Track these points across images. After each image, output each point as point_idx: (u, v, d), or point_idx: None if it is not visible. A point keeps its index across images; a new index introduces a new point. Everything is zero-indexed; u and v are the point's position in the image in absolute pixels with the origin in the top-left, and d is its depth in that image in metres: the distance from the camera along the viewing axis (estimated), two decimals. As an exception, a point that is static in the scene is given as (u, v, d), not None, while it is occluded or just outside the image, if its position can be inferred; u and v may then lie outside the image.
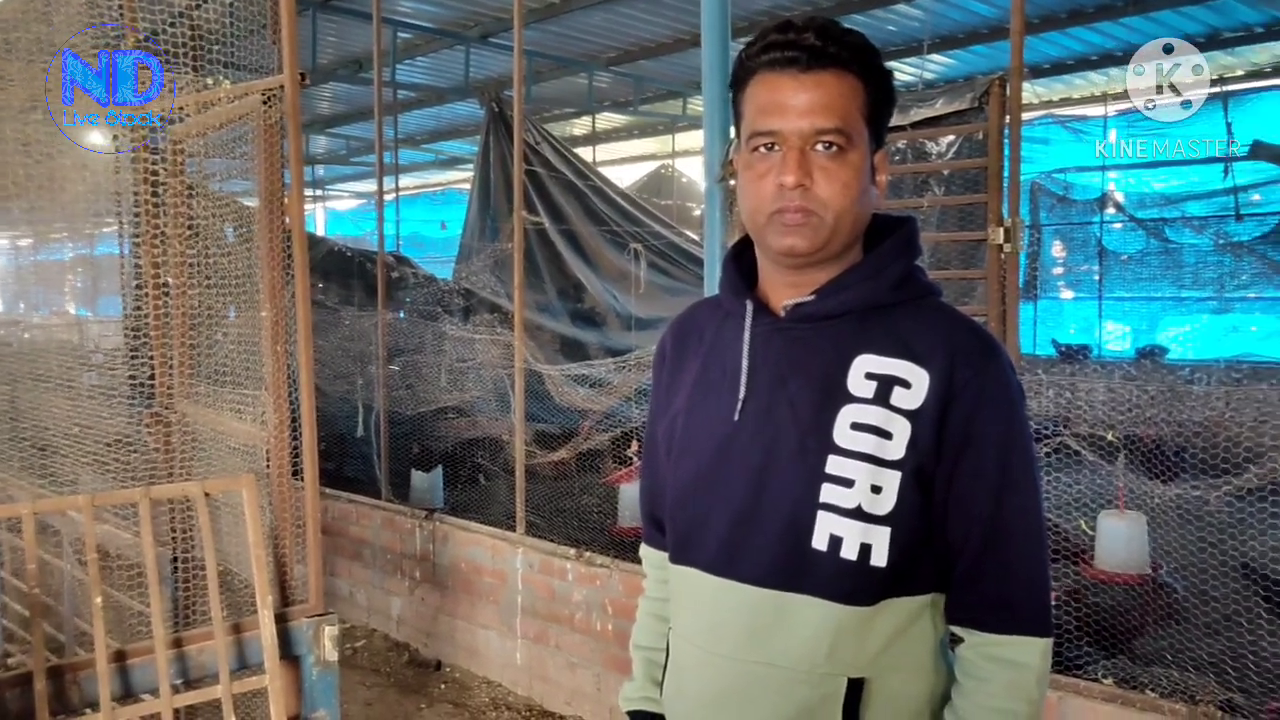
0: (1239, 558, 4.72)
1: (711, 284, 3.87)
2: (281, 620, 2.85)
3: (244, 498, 2.83)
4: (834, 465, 1.25)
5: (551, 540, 4.71)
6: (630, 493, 6.60)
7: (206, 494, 2.76)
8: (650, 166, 14.79)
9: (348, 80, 10.79)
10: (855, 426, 1.25)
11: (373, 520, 5.78)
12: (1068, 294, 11.46)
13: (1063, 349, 10.50)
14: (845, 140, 1.25)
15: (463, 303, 7.67)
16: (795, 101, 1.24)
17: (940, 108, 3.06)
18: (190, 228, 3.42)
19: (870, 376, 1.26)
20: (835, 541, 1.25)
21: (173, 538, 3.59)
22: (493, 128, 9.54)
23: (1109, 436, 3.96)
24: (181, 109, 3.08)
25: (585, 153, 12.12)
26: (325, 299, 7.69)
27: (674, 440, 1.41)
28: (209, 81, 2.81)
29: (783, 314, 1.33)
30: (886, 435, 1.24)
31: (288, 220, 2.94)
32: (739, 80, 1.31)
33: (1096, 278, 10.99)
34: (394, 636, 5.65)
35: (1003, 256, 2.94)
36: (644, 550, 1.59)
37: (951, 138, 3.12)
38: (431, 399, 6.48)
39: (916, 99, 3.32)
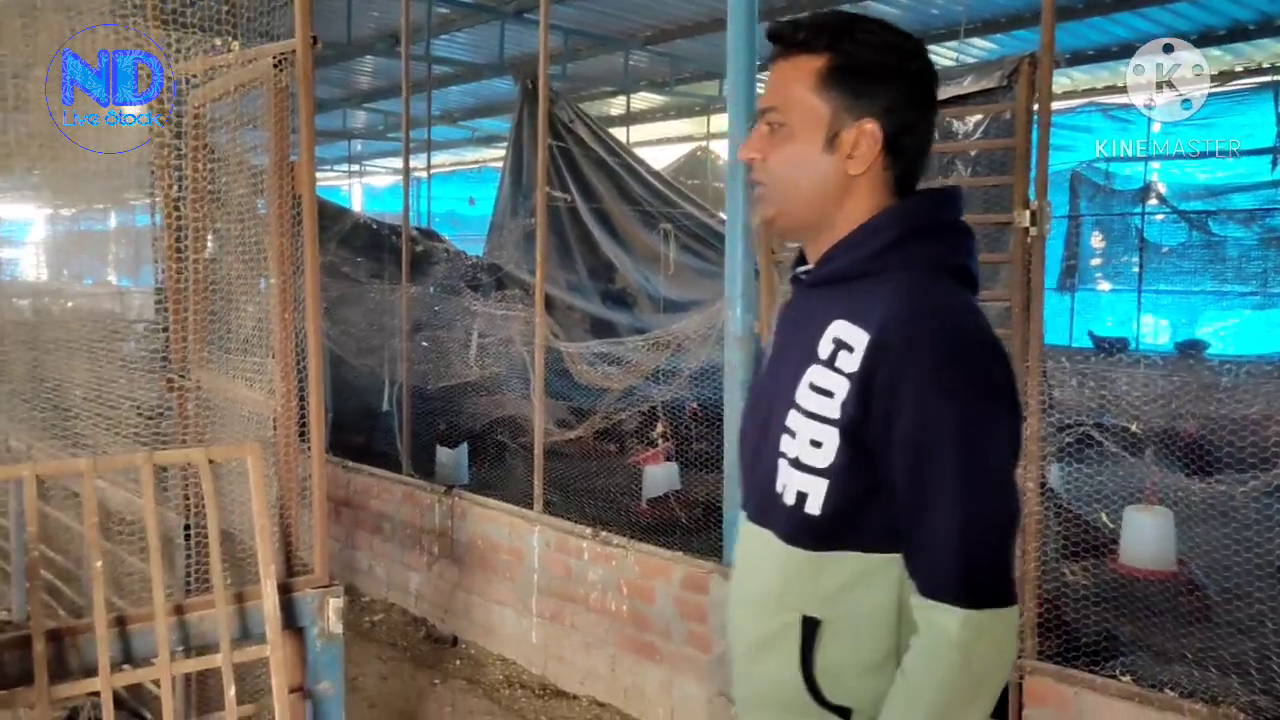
0: (1270, 557, 4.60)
1: (733, 263, 3.80)
2: (285, 591, 2.84)
3: (249, 465, 2.81)
4: (790, 419, 1.38)
5: (569, 519, 4.68)
6: (655, 474, 6.58)
7: (211, 460, 2.74)
8: (686, 148, 14.66)
9: (386, 54, 10.76)
10: (811, 386, 1.36)
11: (393, 495, 5.78)
12: (1105, 286, 11.24)
13: (1099, 341, 10.32)
14: (786, 116, 1.39)
15: (491, 279, 7.65)
16: (764, 89, 1.44)
17: (968, 86, 2.97)
18: (209, 194, 3.41)
19: (834, 341, 1.35)
20: (783, 487, 1.39)
21: (186, 504, 3.61)
22: (526, 105, 9.46)
23: (1133, 428, 3.87)
24: (193, 76, 3.06)
25: (620, 133, 12.03)
26: (355, 273, 7.69)
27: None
28: (216, 42, 2.78)
29: (803, 281, 1.50)
30: (829, 395, 1.34)
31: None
32: None
33: (1136, 270, 10.77)
34: (412, 611, 5.67)
35: (1028, 240, 2.85)
36: None
37: (979, 117, 3.03)
38: (455, 374, 6.47)
39: (944, 77, 3.23)
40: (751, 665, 1.47)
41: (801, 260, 1.50)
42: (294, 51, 2.79)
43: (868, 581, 1.35)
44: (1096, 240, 11.01)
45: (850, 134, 1.36)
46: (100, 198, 4.23)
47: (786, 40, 1.40)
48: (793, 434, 1.37)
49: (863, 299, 1.34)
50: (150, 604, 2.71)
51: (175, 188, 3.35)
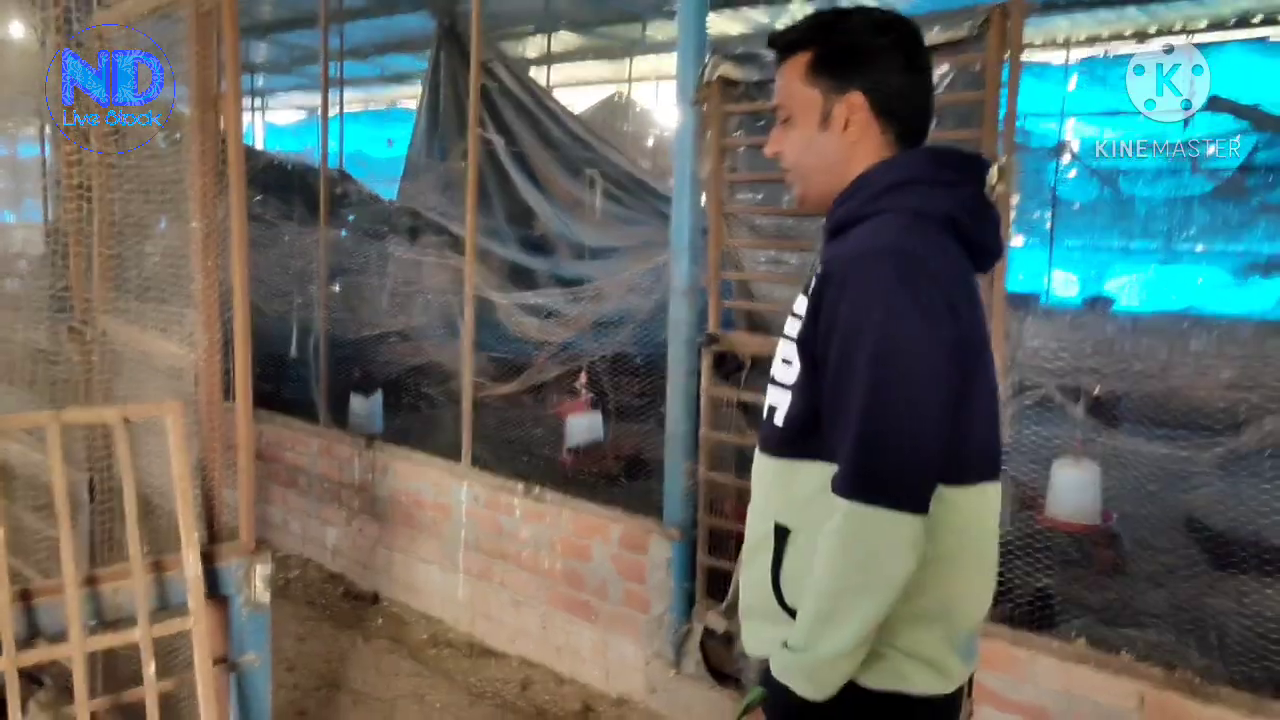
0: (1183, 510, 4.72)
1: (680, 215, 3.66)
2: (209, 559, 2.64)
3: (168, 425, 2.59)
4: (780, 346, 1.59)
5: (499, 474, 4.53)
6: (577, 423, 6.45)
7: (126, 420, 2.52)
8: (605, 92, 14.34)
9: (292, -18, 10.21)
10: (792, 313, 1.56)
11: (309, 446, 5.55)
12: (1018, 240, 11.42)
13: (1010, 296, 10.47)
14: (790, 110, 1.61)
15: (409, 223, 7.36)
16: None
17: (936, 36, 2.86)
18: (114, 128, 3.13)
19: (813, 273, 1.53)
20: (768, 408, 1.59)
21: (89, 463, 3.35)
22: (443, 43, 9.14)
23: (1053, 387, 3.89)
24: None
25: (539, 75, 11.70)
26: (264, 214, 7.31)
27: None
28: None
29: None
30: (798, 317, 1.53)
31: (222, 124, 2.67)
32: None
33: (1048, 225, 10.94)
34: (329, 568, 5.47)
35: (994, 197, 2.77)
36: None
37: (946, 68, 2.93)
38: (375, 323, 6.21)
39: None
40: (745, 574, 1.64)
41: None
42: (216, -29, 2.54)
43: (828, 488, 1.44)
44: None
45: (840, 109, 1.56)
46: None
47: (781, 45, 1.62)
48: (780, 359, 1.57)
49: (849, 240, 1.51)
50: (59, 575, 2.49)
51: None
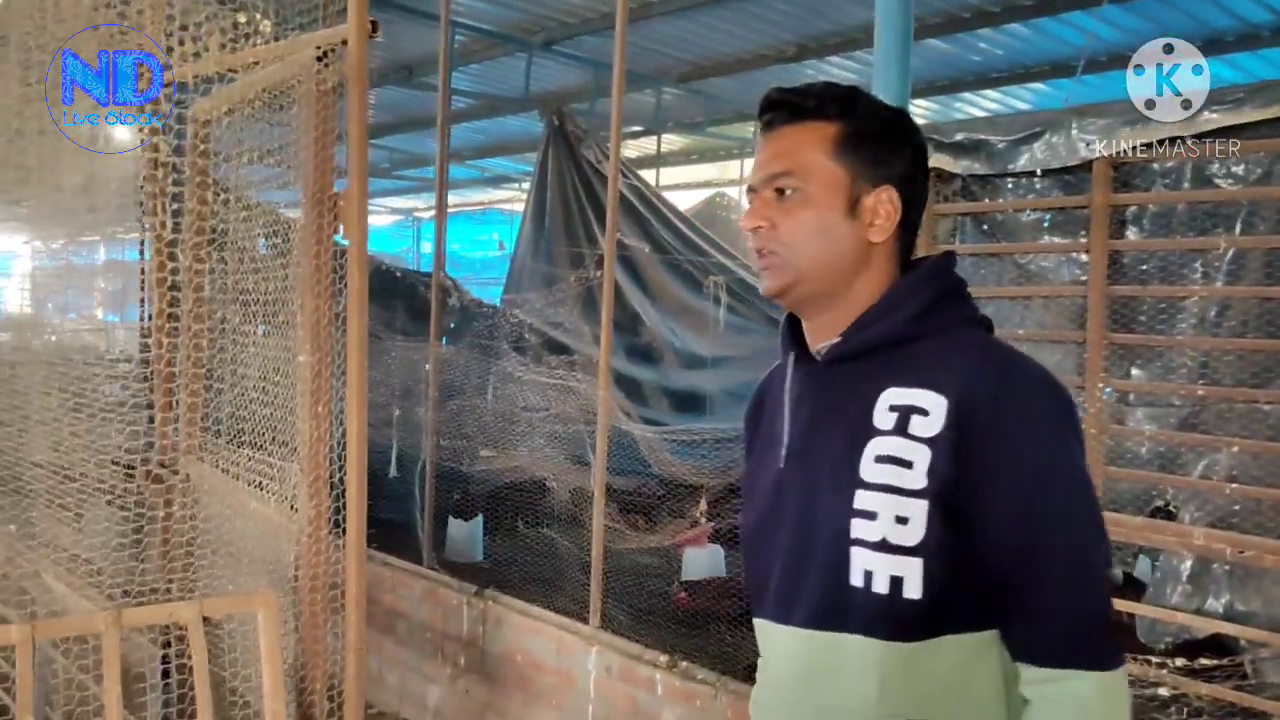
0: None
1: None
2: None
3: (259, 621, 1.97)
4: (860, 500, 1.28)
5: (636, 640, 3.82)
6: (696, 557, 5.77)
7: (206, 619, 1.90)
8: (706, 194, 13.98)
9: (399, 85, 10.00)
10: (879, 459, 1.28)
11: (411, 590, 4.91)
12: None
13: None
14: (801, 181, 1.33)
15: (517, 334, 6.85)
16: (763, 157, 1.38)
17: (1248, 114, 2.19)
18: (211, 231, 2.61)
19: (893, 409, 1.28)
20: (868, 576, 1.27)
21: (165, 634, 2.77)
22: (552, 143, 8.77)
23: None
24: (199, 78, 2.25)
25: (648, 177, 11.32)
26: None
27: (745, 498, 1.49)
28: (239, 20, 1.97)
29: (819, 359, 1.38)
30: (907, 464, 1.26)
31: (341, 228, 2.10)
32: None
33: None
34: (429, 731, 4.78)
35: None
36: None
37: (1259, 155, 2.26)
38: (497, 452, 5.59)
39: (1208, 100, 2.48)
40: None
41: (792, 339, 1.42)
42: (343, 42, 2.00)
43: (971, 666, 1.27)
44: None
45: (871, 200, 1.35)
46: (77, 231, 3.42)
47: (793, 107, 1.37)
48: (870, 515, 1.27)
49: (916, 362, 1.30)
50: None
51: (168, 224, 2.53)
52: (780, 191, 1.35)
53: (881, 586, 1.26)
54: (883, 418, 1.30)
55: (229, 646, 2.47)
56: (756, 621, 1.44)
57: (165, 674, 2.85)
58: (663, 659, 3.65)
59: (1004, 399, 1.26)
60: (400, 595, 4.97)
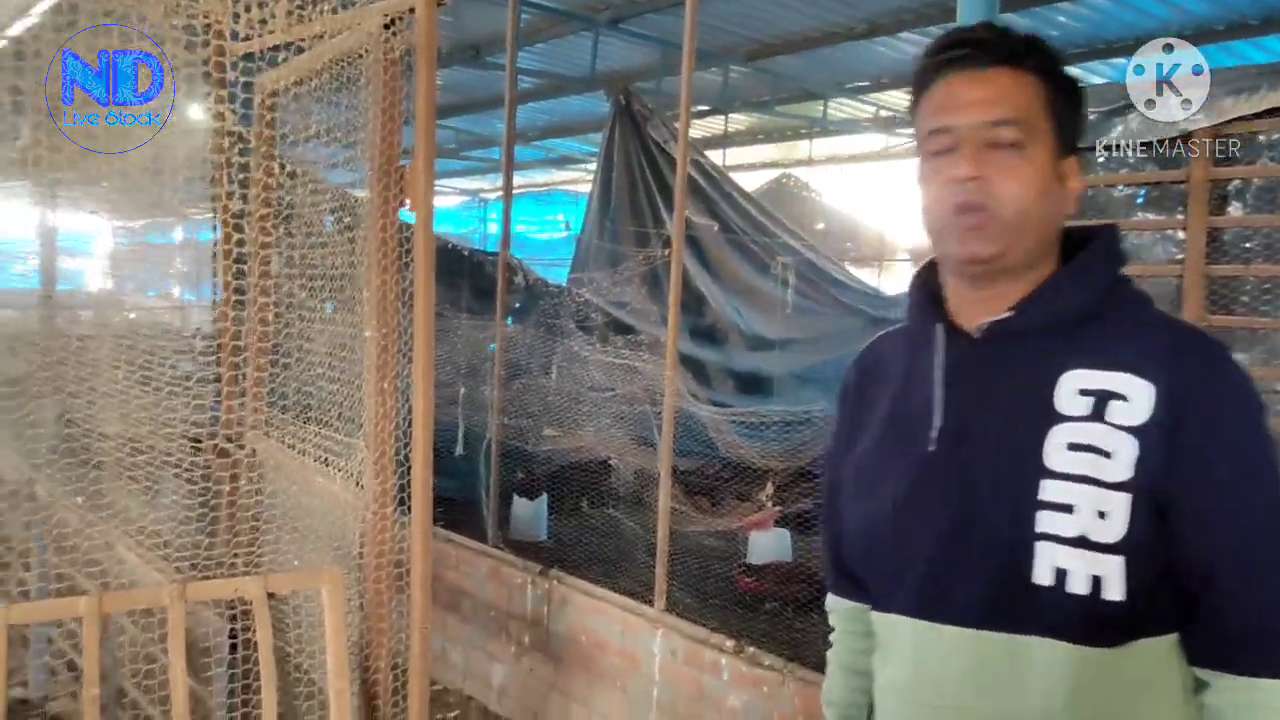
0: None
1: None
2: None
3: (324, 597, 1.95)
4: (1049, 491, 1.17)
5: (702, 624, 3.77)
6: (762, 541, 5.69)
7: (271, 594, 1.88)
8: (771, 174, 13.78)
9: (465, 65, 10.00)
10: (1072, 447, 1.17)
11: (476, 568, 4.91)
12: None
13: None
14: (1024, 133, 1.20)
15: (582, 313, 6.81)
16: (971, 96, 1.21)
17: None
18: (278, 209, 2.59)
19: (1084, 392, 1.18)
20: (1061, 575, 1.15)
21: (231, 610, 2.77)
22: (619, 123, 8.71)
23: None
24: (266, 49, 2.23)
25: (714, 156, 11.20)
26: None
27: (862, 480, 1.35)
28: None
29: (977, 334, 1.26)
30: (1106, 455, 1.15)
31: (407, 203, 2.06)
32: (916, 93, 1.27)
33: None
34: (493, 709, 4.77)
35: None
36: (830, 601, 1.51)
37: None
38: (564, 433, 5.58)
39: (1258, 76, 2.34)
40: None
41: (930, 307, 1.31)
42: (411, 10, 1.95)
43: (1161, 672, 1.19)
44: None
45: (1069, 165, 1.24)
46: (143, 211, 3.44)
47: (1007, 51, 1.22)
48: (1065, 508, 1.15)
49: (1100, 343, 1.20)
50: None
51: (234, 194, 2.52)
52: (996, 143, 1.20)
53: (1079, 587, 1.16)
54: (1070, 402, 1.19)
55: (294, 623, 2.47)
56: (881, 617, 1.33)
57: (232, 648, 2.87)
58: (729, 644, 3.59)
59: (1222, 393, 1.18)
60: (465, 573, 4.97)
